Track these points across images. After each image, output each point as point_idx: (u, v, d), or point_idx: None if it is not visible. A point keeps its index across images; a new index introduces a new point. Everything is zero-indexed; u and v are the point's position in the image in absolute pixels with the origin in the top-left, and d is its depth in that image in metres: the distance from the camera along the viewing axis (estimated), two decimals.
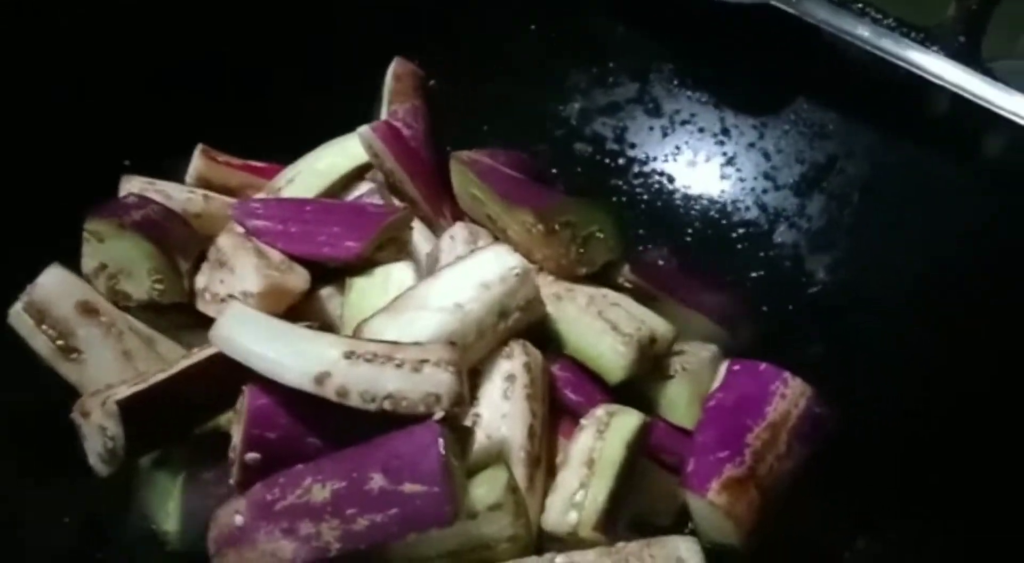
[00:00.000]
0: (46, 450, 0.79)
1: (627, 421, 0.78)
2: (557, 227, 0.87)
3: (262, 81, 1.06)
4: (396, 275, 0.85)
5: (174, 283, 0.86)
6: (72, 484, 0.77)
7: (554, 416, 0.83)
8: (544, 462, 0.80)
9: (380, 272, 0.86)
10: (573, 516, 0.75)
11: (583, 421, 0.79)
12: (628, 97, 1.14)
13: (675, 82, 1.13)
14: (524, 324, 0.81)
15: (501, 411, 0.79)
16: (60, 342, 0.81)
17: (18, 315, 0.82)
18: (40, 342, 0.81)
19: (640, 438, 0.78)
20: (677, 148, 1.13)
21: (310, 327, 0.77)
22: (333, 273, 0.89)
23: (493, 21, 1.13)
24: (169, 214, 0.90)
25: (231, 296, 0.84)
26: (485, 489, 0.73)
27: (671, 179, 1.11)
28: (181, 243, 0.88)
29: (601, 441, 0.77)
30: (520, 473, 0.76)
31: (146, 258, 0.85)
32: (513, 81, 1.14)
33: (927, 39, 0.98)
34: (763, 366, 0.87)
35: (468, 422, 0.77)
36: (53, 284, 0.83)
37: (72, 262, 0.87)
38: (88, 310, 0.83)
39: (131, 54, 1.01)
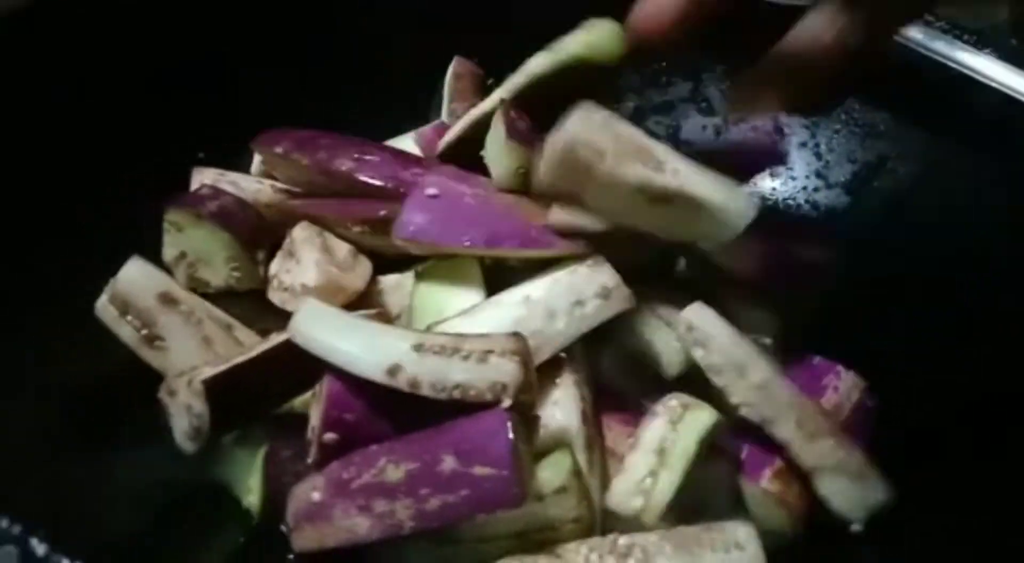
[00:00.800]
0: (135, 428, 0.83)
1: (702, 416, 0.80)
2: None
3: (322, 82, 1.09)
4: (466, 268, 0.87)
5: (250, 271, 0.90)
6: (160, 460, 0.80)
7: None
8: (597, 444, 0.83)
9: (448, 266, 0.88)
10: (639, 501, 0.77)
11: (656, 408, 0.82)
12: (681, 96, 1.17)
13: (727, 82, 1.15)
14: (610, 313, 0.82)
15: (552, 398, 0.81)
16: (144, 331, 0.85)
17: (104, 307, 0.86)
18: (125, 332, 0.85)
19: (712, 434, 0.80)
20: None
21: (369, 316, 0.80)
22: (397, 264, 0.92)
23: (550, 20, 1.15)
24: (242, 204, 0.93)
25: (294, 286, 0.88)
26: (550, 473, 0.76)
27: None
28: (255, 232, 0.92)
29: (674, 433, 0.79)
30: (581, 458, 0.79)
31: (223, 247, 0.89)
32: (565, 80, 1.16)
33: (979, 41, 1.00)
34: (817, 359, 0.90)
35: None
36: (135, 277, 0.87)
37: (153, 252, 0.91)
38: (168, 300, 0.86)
39: (200, 53, 1.04)
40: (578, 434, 0.80)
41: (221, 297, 0.90)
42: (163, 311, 0.86)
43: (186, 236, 0.90)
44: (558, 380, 0.81)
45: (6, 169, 0.89)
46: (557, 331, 0.81)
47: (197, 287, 0.91)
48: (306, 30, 1.09)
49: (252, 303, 0.91)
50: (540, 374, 0.78)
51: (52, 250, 0.88)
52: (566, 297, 0.81)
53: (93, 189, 0.93)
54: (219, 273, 0.90)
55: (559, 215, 0.84)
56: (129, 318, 0.85)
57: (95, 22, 0.98)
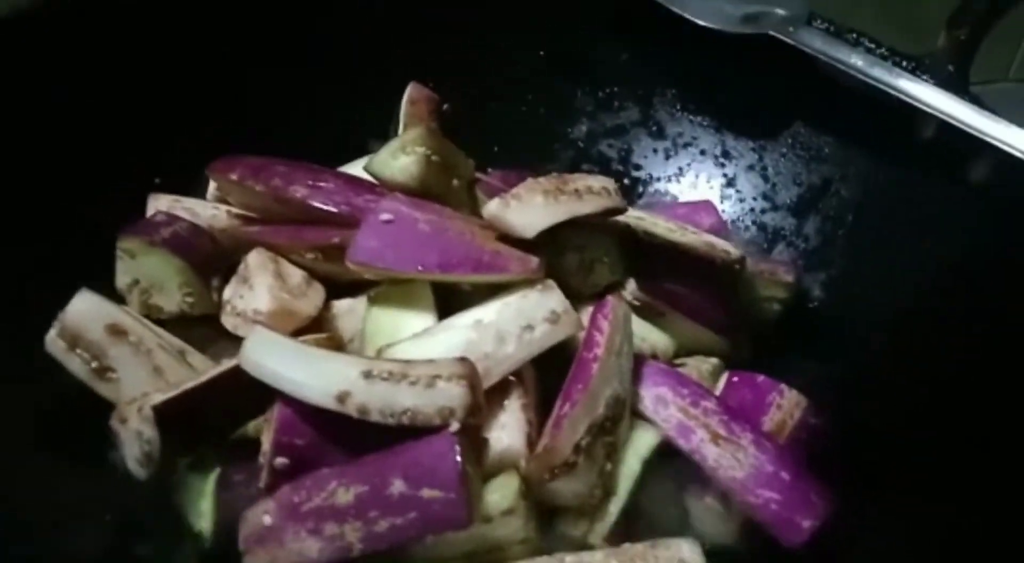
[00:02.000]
0: (86, 455, 0.84)
1: (645, 438, 0.82)
2: (567, 251, 0.91)
3: (281, 104, 1.11)
4: (418, 293, 0.88)
5: (203, 296, 0.91)
6: (112, 485, 0.81)
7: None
8: None
9: (400, 291, 0.89)
10: (584, 525, 0.79)
11: None
12: (633, 120, 1.19)
13: (678, 106, 1.18)
14: (558, 337, 0.83)
15: (500, 421, 0.82)
16: (94, 364, 0.85)
17: (53, 341, 0.85)
18: (75, 365, 0.85)
19: (654, 454, 0.82)
20: (680, 169, 1.18)
21: (319, 342, 0.81)
22: (351, 288, 0.93)
23: (504, 47, 1.18)
24: (196, 230, 0.94)
25: (247, 312, 0.89)
26: (498, 495, 0.77)
27: (674, 199, 1.16)
28: (208, 258, 0.93)
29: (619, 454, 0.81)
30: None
31: (176, 273, 0.90)
32: (522, 104, 1.19)
33: (918, 68, 1.04)
34: (761, 378, 0.92)
35: None
36: (83, 309, 0.86)
37: (107, 280, 0.92)
38: (117, 331, 0.86)
39: (156, 79, 1.05)
40: (525, 456, 0.81)
41: (175, 323, 0.91)
42: (112, 342, 0.85)
43: (139, 263, 0.90)
44: (506, 403, 0.82)
45: None
46: (506, 355, 0.82)
47: (151, 313, 0.91)
48: (262, 56, 1.10)
49: (206, 328, 0.91)
50: (489, 397, 0.80)
51: (3, 277, 0.89)
52: (516, 321, 0.83)
53: (47, 216, 0.93)
54: (172, 299, 0.91)
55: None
56: (79, 351, 0.85)
57: (47, 48, 0.98)
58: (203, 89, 1.07)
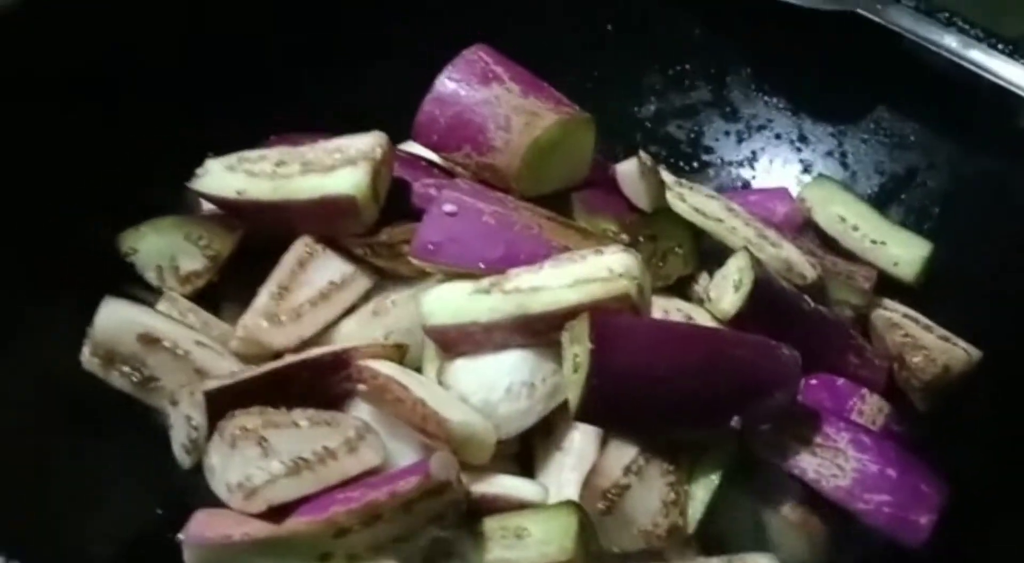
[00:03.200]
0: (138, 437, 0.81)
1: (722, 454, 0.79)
2: (641, 239, 0.87)
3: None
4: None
5: (221, 235, 0.88)
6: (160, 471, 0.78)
7: None
8: None
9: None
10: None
11: None
12: (704, 100, 1.14)
13: (752, 86, 1.12)
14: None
15: None
16: (135, 377, 0.81)
17: (89, 360, 0.81)
18: (117, 380, 0.82)
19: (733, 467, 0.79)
20: (753, 153, 1.12)
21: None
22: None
23: (567, 20, 1.13)
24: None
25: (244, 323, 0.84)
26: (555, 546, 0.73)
27: (747, 185, 1.11)
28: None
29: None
30: None
31: (177, 229, 0.88)
32: (587, 81, 1.12)
33: (1015, 51, 0.97)
34: (840, 381, 0.87)
35: None
36: (110, 322, 0.81)
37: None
38: (150, 340, 0.81)
39: (162, 70, 0.97)
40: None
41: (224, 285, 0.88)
42: (148, 352, 0.81)
43: (144, 250, 0.88)
44: None
45: None
46: None
47: (192, 284, 0.88)
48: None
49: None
50: None
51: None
52: None
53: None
54: (196, 256, 0.88)
55: None
56: (117, 366, 0.81)
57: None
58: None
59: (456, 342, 0.79)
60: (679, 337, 0.77)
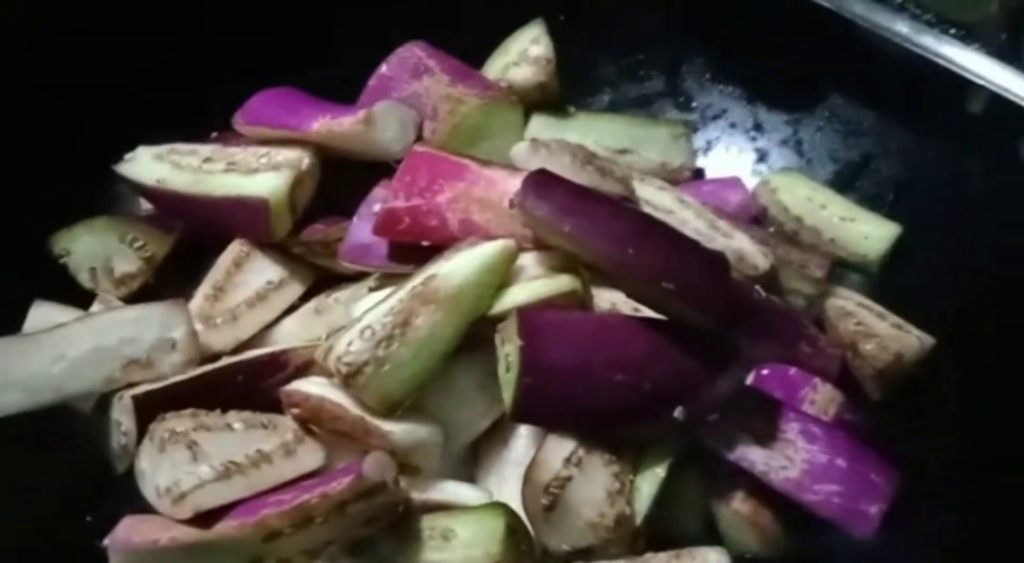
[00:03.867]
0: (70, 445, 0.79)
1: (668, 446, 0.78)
2: None
3: None
4: None
5: (155, 236, 0.88)
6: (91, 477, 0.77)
7: None
8: None
9: None
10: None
11: None
12: (658, 90, 1.12)
13: (707, 76, 1.11)
14: None
15: None
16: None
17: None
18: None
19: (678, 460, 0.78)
20: (708, 143, 1.11)
21: None
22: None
23: (521, 8, 1.11)
24: None
25: None
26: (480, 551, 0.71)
27: (701, 175, 1.09)
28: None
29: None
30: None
31: (112, 230, 0.87)
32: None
33: (968, 36, 0.95)
34: (792, 371, 0.87)
35: None
36: (40, 325, 0.80)
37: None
38: None
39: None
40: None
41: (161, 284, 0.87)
42: None
43: (77, 251, 0.87)
44: None
45: None
46: None
47: (127, 286, 0.87)
48: None
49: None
50: None
51: None
52: None
53: None
54: (130, 258, 0.87)
55: None
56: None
57: None
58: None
59: None
60: (613, 329, 0.75)
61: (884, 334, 0.89)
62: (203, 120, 0.94)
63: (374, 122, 0.84)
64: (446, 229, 0.79)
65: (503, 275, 0.76)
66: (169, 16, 0.99)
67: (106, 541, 0.67)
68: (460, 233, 0.79)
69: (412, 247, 0.79)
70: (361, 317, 0.74)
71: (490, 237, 0.77)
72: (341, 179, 0.87)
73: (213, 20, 1.01)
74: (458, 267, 0.75)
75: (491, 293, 0.76)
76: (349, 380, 0.72)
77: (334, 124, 0.84)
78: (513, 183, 0.78)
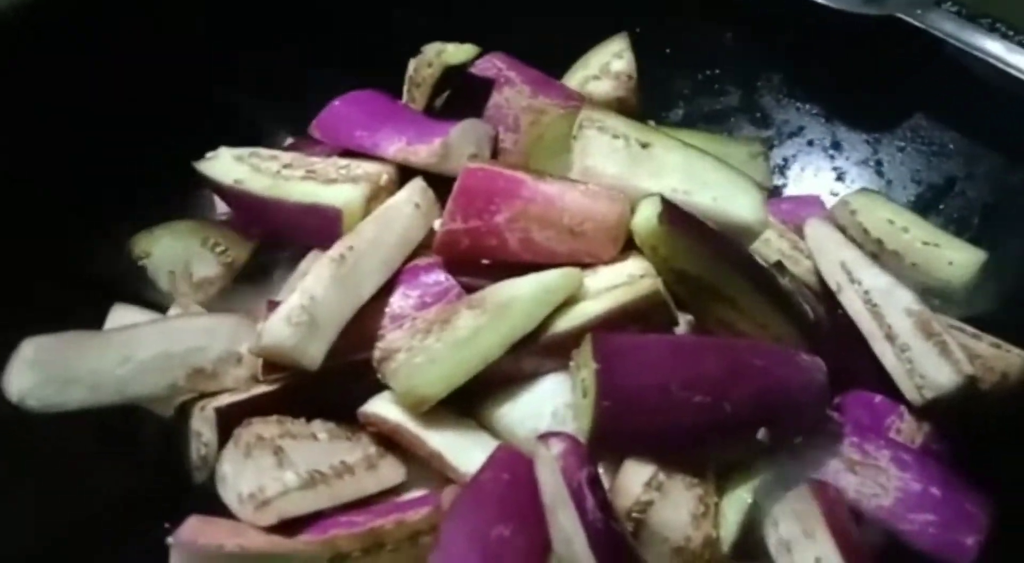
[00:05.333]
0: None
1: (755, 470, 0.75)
2: None
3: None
4: None
5: (238, 243, 0.88)
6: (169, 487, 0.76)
7: None
8: None
9: None
10: None
11: None
12: (733, 105, 1.11)
13: (784, 92, 1.10)
14: None
15: None
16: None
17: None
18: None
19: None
20: (785, 160, 1.09)
21: None
22: None
23: (595, 22, 1.09)
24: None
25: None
26: None
27: (777, 193, 1.07)
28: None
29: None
30: None
31: (194, 234, 0.87)
32: None
33: None
34: (878, 398, 0.84)
35: None
36: None
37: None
38: None
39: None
40: None
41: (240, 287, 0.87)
42: None
43: (158, 254, 0.87)
44: None
45: None
46: None
47: (205, 291, 0.87)
48: None
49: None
50: None
51: None
52: None
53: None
54: (211, 262, 0.87)
55: None
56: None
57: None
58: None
59: (486, 379, 0.75)
60: (690, 350, 0.73)
61: (985, 354, 0.85)
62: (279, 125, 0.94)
63: (449, 151, 0.83)
64: (507, 249, 0.77)
65: (562, 296, 0.75)
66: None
67: (170, 539, 0.66)
68: (522, 252, 0.77)
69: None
70: None
71: (552, 254, 0.77)
72: None
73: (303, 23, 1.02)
74: (514, 282, 0.74)
75: (545, 311, 0.74)
76: (381, 364, 0.72)
77: (411, 152, 0.83)
78: (572, 197, 0.77)
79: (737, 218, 0.81)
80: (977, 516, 0.75)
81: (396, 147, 0.84)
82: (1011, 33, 0.95)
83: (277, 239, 0.87)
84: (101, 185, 0.88)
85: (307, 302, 0.71)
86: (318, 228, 0.81)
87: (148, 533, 0.72)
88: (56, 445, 0.76)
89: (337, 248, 0.75)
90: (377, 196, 0.82)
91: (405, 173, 0.85)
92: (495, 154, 0.90)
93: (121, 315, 0.81)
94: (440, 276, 0.78)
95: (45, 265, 0.83)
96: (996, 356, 0.86)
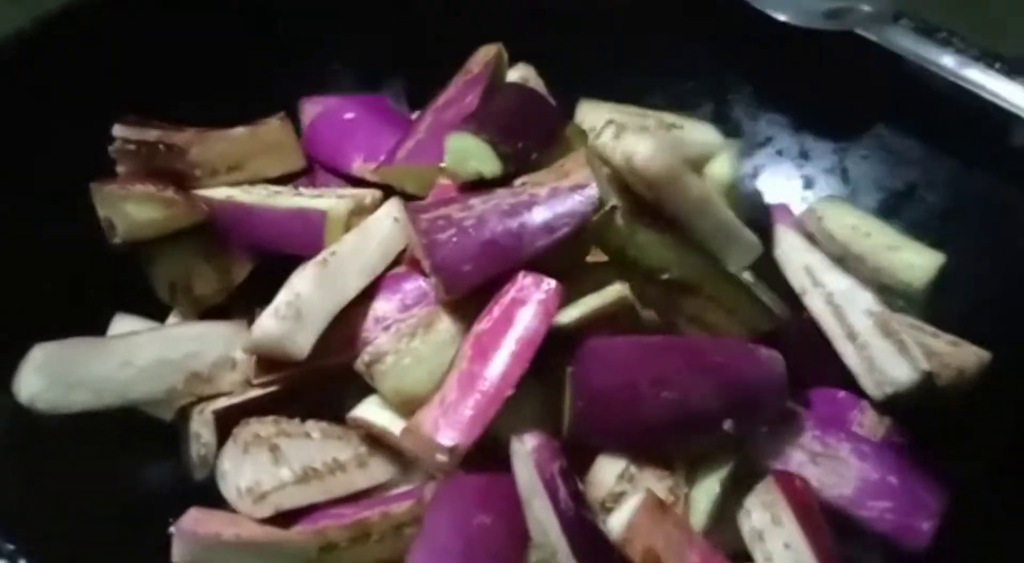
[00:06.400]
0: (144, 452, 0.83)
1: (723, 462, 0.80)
2: None
3: None
4: None
5: (239, 262, 0.90)
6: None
7: None
8: None
9: None
10: None
11: None
12: (706, 117, 1.14)
13: (754, 104, 1.14)
14: None
15: None
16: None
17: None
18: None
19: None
20: (755, 170, 1.13)
21: None
22: None
23: (566, 38, 1.13)
24: None
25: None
26: None
27: None
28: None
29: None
30: None
31: (195, 249, 0.89)
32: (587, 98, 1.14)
33: (1011, 70, 0.97)
34: (841, 394, 0.89)
35: None
36: None
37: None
38: None
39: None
40: None
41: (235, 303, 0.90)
42: None
43: (165, 262, 0.89)
44: None
45: None
46: None
47: (200, 307, 0.90)
48: None
49: None
50: None
51: None
52: None
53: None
54: (209, 278, 0.90)
55: None
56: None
57: None
58: None
59: None
60: (656, 350, 0.78)
61: (943, 351, 0.90)
62: None
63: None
64: None
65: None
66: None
67: (172, 528, 0.71)
68: None
69: None
70: None
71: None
72: None
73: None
74: None
75: None
76: (370, 367, 0.76)
77: (365, 169, 0.92)
78: None
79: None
80: (932, 503, 0.79)
81: (356, 164, 0.93)
82: (963, 46, 1.00)
83: (264, 252, 0.90)
84: None
85: (293, 298, 0.76)
86: (303, 234, 0.85)
87: (149, 530, 0.77)
88: (62, 446, 0.80)
89: (321, 254, 0.80)
90: (360, 213, 0.87)
91: (389, 192, 0.90)
92: None
93: (122, 325, 0.85)
94: (419, 281, 0.82)
95: (52, 275, 0.87)
96: (953, 353, 0.90)
